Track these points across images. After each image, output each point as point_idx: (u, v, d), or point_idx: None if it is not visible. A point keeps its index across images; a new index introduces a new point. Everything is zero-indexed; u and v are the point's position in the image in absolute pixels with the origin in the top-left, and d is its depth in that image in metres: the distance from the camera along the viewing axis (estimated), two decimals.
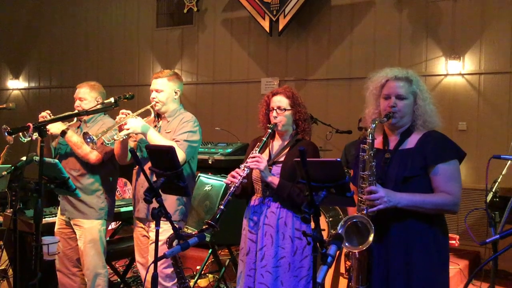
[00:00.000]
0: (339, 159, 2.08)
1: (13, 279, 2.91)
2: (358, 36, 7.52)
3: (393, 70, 2.57)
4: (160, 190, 2.50)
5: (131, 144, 3.52)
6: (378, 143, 2.60)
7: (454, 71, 6.73)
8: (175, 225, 2.50)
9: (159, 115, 3.56)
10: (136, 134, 3.39)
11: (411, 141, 2.50)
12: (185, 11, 8.87)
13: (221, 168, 5.75)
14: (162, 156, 2.55)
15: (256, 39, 8.39)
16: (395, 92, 2.51)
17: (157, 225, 2.45)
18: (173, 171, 2.48)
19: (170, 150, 2.49)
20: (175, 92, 3.52)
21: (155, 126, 3.53)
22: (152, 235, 3.26)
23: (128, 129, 3.27)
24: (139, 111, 3.44)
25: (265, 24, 7.98)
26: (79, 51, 10.57)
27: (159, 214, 2.41)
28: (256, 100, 8.68)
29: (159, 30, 9.52)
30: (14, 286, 2.92)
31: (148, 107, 3.49)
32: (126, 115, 3.34)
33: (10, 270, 4.41)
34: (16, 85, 11.68)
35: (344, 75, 7.63)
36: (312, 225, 2.00)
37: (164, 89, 3.47)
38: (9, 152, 5.95)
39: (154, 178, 2.66)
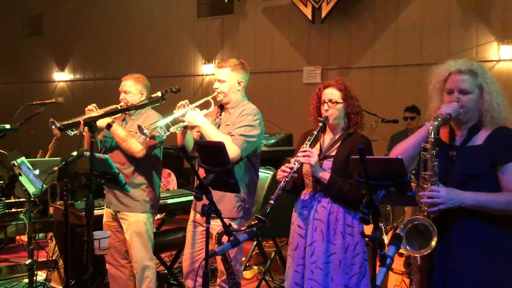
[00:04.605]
0: (400, 157, 1.98)
1: (64, 271, 2.95)
2: (404, 21, 7.30)
3: (457, 63, 2.41)
4: (210, 187, 2.46)
5: (195, 135, 3.45)
6: (444, 135, 2.46)
7: (507, 56, 6.46)
8: (225, 221, 2.46)
9: (222, 107, 3.45)
10: (192, 126, 3.29)
11: (480, 138, 2.35)
12: (226, 0, 8.81)
13: (265, 159, 5.67)
14: (212, 152, 2.51)
15: (298, 27, 8.26)
16: (458, 87, 2.35)
17: (208, 222, 2.42)
18: (223, 167, 2.42)
19: (219, 146, 2.44)
20: (239, 83, 3.37)
21: (217, 117, 3.44)
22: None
23: (183, 121, 3.21)
24: (198, 103, 3.34)
25: (307, 12, 7.83)
26: (122, 43, 10.71)
27: (209, 211, 2.38)
28: (298, 89, 8.65)
29: (200, 20, 9.52)
30: (66, 278, 2.95)
31: (208, 98, 3.38)
32: (184, 106, 3.26)
33: (60, 260, 4.51)
34: (62, 77, 11.97)
35: (390, 62, 7.44)
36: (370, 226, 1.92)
37: (226, 79, 3.33)
38: (56, 143, 6.08)
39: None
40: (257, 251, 5.12)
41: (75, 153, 2.97)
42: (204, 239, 3.32)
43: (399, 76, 7.28)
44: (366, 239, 1.95)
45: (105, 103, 3.80)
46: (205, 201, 2.50)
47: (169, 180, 7.03)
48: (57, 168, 2.96)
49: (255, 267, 5.21)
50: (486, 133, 2.35)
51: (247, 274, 5.09)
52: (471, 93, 2.35)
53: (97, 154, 3.09)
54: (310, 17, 7.81)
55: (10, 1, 12.56)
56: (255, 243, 4.96)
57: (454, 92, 2.36)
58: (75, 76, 11.81)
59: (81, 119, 2.76)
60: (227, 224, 2.55)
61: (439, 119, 2.30)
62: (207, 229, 2.41)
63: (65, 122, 2.89)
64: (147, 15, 10.32)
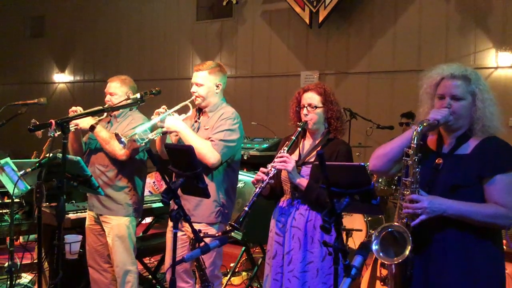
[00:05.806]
0: (363, 164, 1.91)
1: (38, 275, 2.90)
2: (402, 27, 7.23)
3: (450, 67, 2.30)
4: (180, 191, 2.40)
5: (173, 139, 3.40)
6: (432, 142, 2.38)
7: (505, 63, 6.38)
8: (194, 227, 2.40)
9: (200, 110, 3.40)
10: (171, 132, 3.25)
11: (468, 147, 2.27)
12: (224, 3, 8.79)
13: (256, 164, 5.61)
14: (181, 156, 2.45)
15: (296, 31, 8.21)
16: (450, 92, 2.25)
17: (175, 228, 2.35)
18: (192, 171, 2.37)
19: (188, 150, 2.39)
20: (217, 86, 3.31)
21: (196, 121, 3.38)
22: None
23: (162, 127, 3.17)
24: (176, 108, 3.29)
25: (305, 16, 7.79)
26: (122, 45, 10.71)
27: (177, 217, 2.32)
28: None
29: (198, 23, 9.50)
30: (39, 283, 2.90)
31: (187, 102, 3.33)
32: (162, 112, 3.21)
33: (46, 263, 4.46)
34: (62, 78, 11.98)
35: (387, 68, 7.37)
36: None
37: (204, 83, 3.27)
38: (50, 145, 6.03)
39: None
40: (246, 257, 5.05)
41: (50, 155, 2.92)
42: (185, 244, 3.30)
43: (396, 82, 7.21)
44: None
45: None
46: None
47: (162, 184, 6.99)
48: (30, 169, 2.91)
49: (244, 273, 5.14)
50: (475, 142, 2.26)
51: (235, 280, 5.02)
52: (464, 99, 2.25)
53: (69, 156, 3.04)
54: (307, 21, 7.77)
55: (12, 3, 12.60)
56: (243, 249, 4.89)
57: (445, 98, 2.26)
58: (75, 78, 11.82)
59: (53, 120, 2.70)
60: (198, 229, 2.48)
61: (424, 123, 2.20)
62: (175, 235, 2.35)
63: (37, 123, 2.84)
64: (147, 18, 10.32)
